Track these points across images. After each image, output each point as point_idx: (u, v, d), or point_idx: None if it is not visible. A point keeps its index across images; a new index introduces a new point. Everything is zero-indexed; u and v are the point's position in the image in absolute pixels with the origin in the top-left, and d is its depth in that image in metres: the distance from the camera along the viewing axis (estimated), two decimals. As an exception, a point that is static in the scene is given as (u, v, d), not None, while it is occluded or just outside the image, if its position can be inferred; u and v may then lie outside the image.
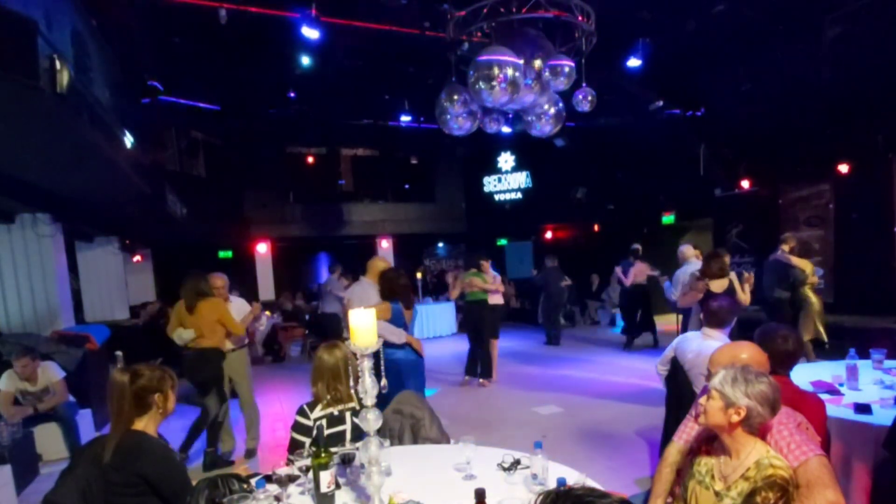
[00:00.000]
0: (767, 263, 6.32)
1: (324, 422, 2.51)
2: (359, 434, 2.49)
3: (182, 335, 4.37)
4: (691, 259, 6.08)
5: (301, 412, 2.55)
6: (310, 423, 2.51)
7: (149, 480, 2.01)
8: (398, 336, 3.82)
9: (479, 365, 6.90)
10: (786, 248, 6.08)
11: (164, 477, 2.04)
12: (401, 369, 3.84)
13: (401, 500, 1.92)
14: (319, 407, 2.54)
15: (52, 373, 4.73)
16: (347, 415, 2.55)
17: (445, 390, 6.76)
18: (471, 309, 6.93)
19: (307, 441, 2.48)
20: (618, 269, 8.99)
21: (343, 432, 2.53)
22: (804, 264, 5.86)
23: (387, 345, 3.77)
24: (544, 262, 9.88)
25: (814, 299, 5.88)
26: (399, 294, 3.90)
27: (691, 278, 5.10)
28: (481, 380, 6.86)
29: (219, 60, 8.06)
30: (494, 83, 4.57)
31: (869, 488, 2.62)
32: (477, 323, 6.83)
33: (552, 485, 1.88)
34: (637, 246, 8.97)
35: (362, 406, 2.49)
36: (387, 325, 3.77)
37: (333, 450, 2.11)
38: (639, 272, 8.77)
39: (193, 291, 4.35)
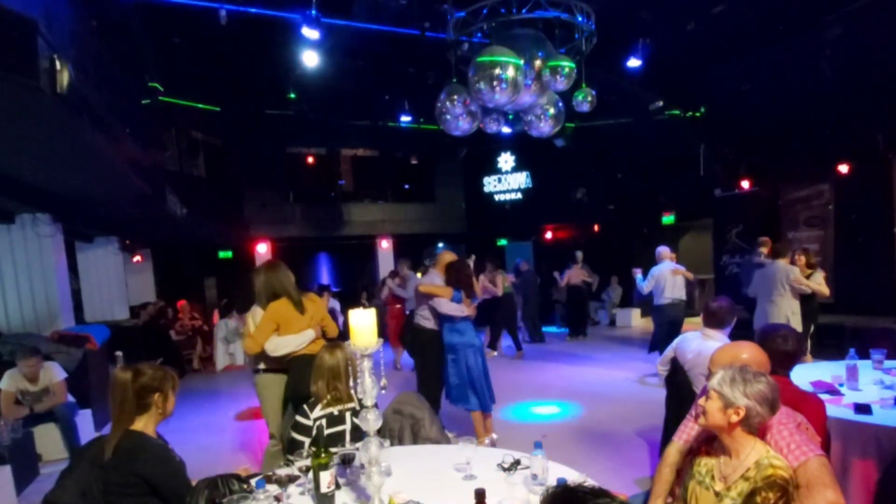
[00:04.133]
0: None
1: (324, 421, 2.51)
2: (359, 434, 2.49)
3: (298, 340, 3.47)
4: (666, 259, 6.87)
5: (301, 412, 2.55)
6: (310, 422, 2.51)
7: (148, 481, 2.01)
8: (460, 311, 4.42)
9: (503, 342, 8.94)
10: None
11: (163, 477, 2.04)
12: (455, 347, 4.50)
13: (401, 500, 1.92)
14: (319, 407, 2.54)
15: (53, 373, 4.73)
16: (347, 415, 2.55)
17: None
18: (506, 298, 8.68)
19: (307, 441, 2.48)
20: (556, 273, 10.41)
21: (343, 432, 2.53)
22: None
23: (449, 319, 4.48)
24: (518, 266, 10.14)
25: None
26: (462, 283, 4.41)
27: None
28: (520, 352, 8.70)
29: (219, 60, 8.06)
30: (495, 83, 4.58)
31: (869, 488, 2.62)
32: (508, 309, 8.84)
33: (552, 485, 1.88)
34: (578, 252, 10.33)
35: (362, 406, 2.51)
36: (451, 303, 4.41)
37: (333, 450, 2.11)
38: (574, 276, 10.04)
39: (296, 287, 3.58)
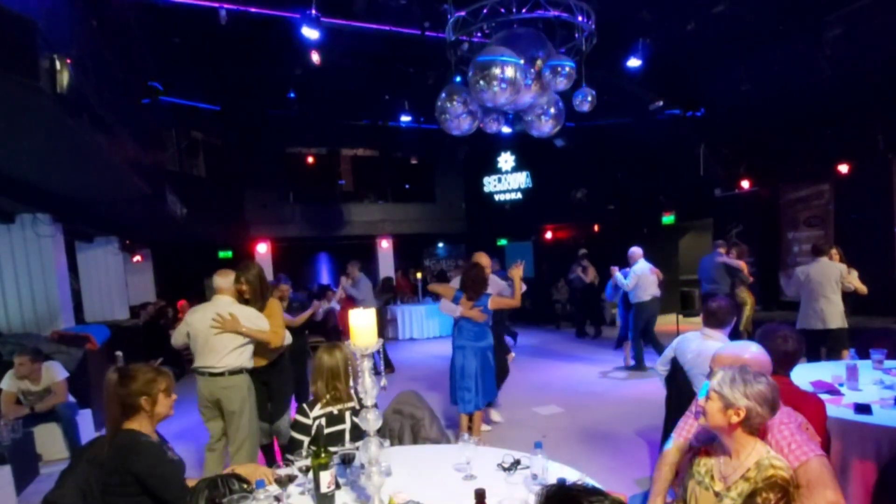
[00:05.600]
0: (711, 263, 7.44)
1: (323, 420, 2.52)
2: (359, 433, 2.50)
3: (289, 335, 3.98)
4: (640, 259, 7.14)
5: (301, 411, 2.56)
6: (309, 421, 2.51)
7: (139, 479, 2.01)
8: (452, 311, 4.78)
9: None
10: (722, 250, 7.35)
11: (154, 476, 2.03)
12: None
13: (401, 500, 1.92)
14: (319, 406, 2.55)
15: (54, 373, 4.73)
16: (347, 414, 2.56)
17: (445, 390, 6.75)
18: None
19: (306, 440, 2.48)
20: (580, 272, 10.40)
21: (342, 431, 2.54)
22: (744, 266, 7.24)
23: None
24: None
25: (748, 297, 7.36)
26: (464, 285, 4.67)
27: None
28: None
29: (219, 60, 8.06)
30: (494, 83, 4.58)
31: (869, 488, 2.62)
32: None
33: (552, 485, 1.88)
34: (585, 251, 10.56)
35: (362, 406, 2.52)
36: (448, 303, 4.76)
37: (333, 449, 2.11)
38: (591, 273, 10.34)
39: None
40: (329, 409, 2.54)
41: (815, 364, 4.10)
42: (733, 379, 1.72)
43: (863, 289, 5.50)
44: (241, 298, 3.66)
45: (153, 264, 11.45)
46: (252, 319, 3.55)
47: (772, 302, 8.90)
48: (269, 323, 3.60)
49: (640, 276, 7.02)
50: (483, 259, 4.83)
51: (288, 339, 3.87)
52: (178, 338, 3.63)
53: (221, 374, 3.49)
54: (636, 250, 7.24)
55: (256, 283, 3.67)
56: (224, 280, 3.62)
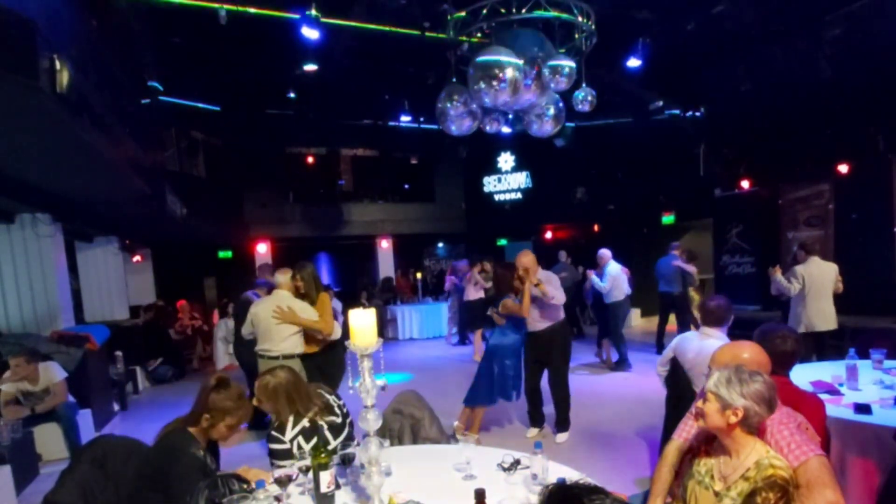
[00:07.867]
0: (668, 266, 7.98)
1: (301, 438, 2.42)
2: (336, 429, 2.49)
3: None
4: (611, 261, 7.39)
5: (273, 439, 2.42)
6: (287, 446, 2.41)
7: (166, 481, 2.04)
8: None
9: None
10: (678, 253, 8.01)
11: (177, 488, 2.02)
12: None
13: (401, 500, 1.92)
14: (290, 426, 2.45)
15: (53, 373, 4.72)
16: (317, 419, 2.49)
17: (445, 389, 6.75)
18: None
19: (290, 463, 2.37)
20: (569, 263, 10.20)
21: (323, 434, 2.47)
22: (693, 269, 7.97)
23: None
24: (455, 267, 10.05)
25: (696, 296, 8.03)
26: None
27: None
28: None
29: (219, 60, 8.05)
30: (494, 83, 4.58)
31: (869, 488, 2.62)
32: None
33: (552, 485, 1.88)
34: (563, 252, 10.37)
35: (325, 409, 2.48)
36: None
37: (332, 445, 2.10)
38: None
39: None
40: (300, 425, 2.45)
41: (816, 364, 4.10)
42: (729, 379, 1.72)
43: (840, 288, 5.46)
44: (298, 293, 4.25)
45: (153, 264, 11.44)
46: (306, 311, 4.14)
47: (771, 302, 8.90)
48: (320, 314, 4.20)
49: (615, 277, 7.26)
50: (521, 259, 4.50)
51: (338, 330, 4.38)
52: (245, 328, 4.30)
53: (277, 357, 4.03)
54: (606, 252, 7.48)
55: (310, 280, 4.29)
56: (283, 277, 4.25)
